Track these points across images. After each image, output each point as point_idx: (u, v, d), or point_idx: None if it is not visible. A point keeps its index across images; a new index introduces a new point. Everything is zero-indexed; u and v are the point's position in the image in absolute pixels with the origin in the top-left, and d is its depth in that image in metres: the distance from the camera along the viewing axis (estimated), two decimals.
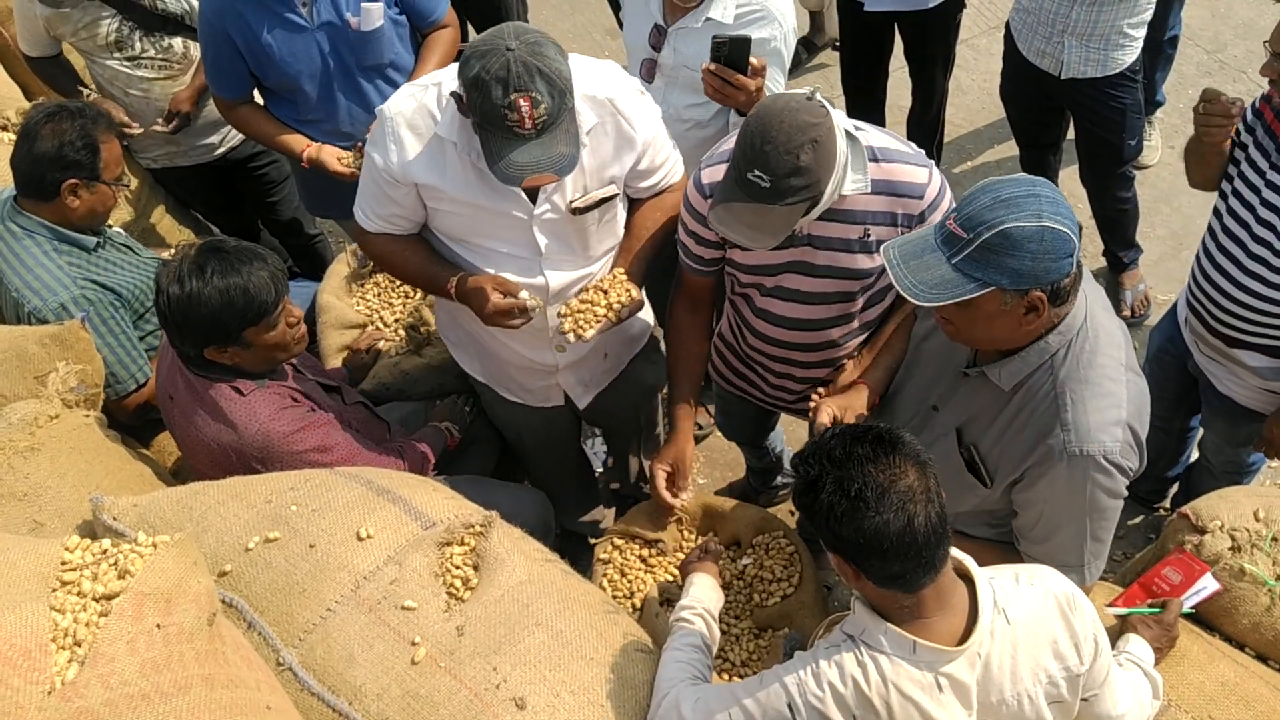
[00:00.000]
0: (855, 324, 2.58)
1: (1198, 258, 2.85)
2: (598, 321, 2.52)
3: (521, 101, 2.17)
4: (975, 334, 2.07)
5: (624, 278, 2.58)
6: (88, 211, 2.85)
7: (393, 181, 2.44)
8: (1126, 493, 2.11)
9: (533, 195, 2.46)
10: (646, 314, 2.93)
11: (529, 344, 2.70)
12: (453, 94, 2.32)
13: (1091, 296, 2.09)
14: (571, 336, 2.52)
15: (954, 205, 2.06)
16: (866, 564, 1.72)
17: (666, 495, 2.64)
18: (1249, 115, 2.64)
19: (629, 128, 2.47)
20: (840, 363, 2.65)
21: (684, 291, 2.68)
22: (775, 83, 2.95)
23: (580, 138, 2.35)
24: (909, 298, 1.97)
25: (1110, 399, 2.03)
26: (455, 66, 2.39)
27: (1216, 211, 2.77)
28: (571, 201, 2.48)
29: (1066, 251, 1.90)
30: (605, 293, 2.56)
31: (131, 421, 2.93)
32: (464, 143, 2.38)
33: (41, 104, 2.96)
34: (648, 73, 3.14)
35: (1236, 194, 2.68)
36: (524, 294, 2.47)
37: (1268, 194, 2.60)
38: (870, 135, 2.37)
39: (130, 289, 2.88)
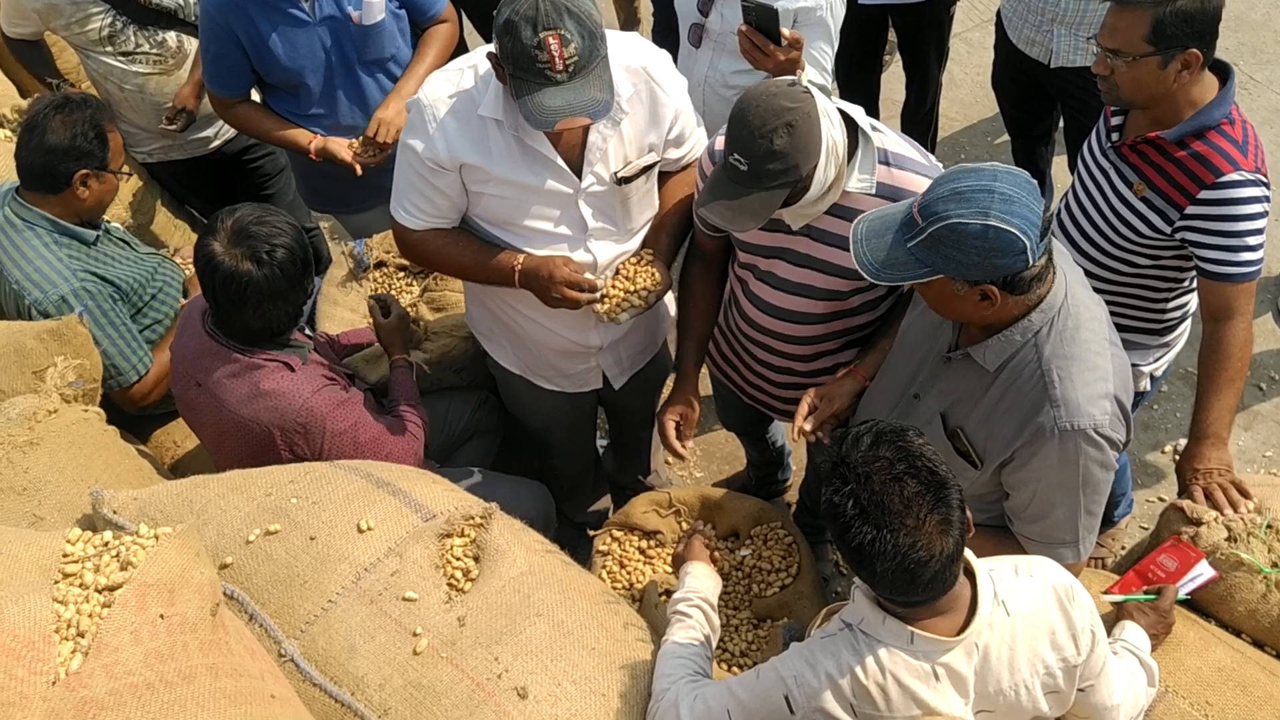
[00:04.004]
0: (842, 326, 2.57)
1: None
2: (630, 307, 2.56)
3: (551, 40, 2.17)
4: (943, 311, 2.09)
5: (649, 260, 2.61)
6: (96, 201, 2.86)
7: (437, 169, 2.43)
8: (1117, 465, 2.12)
9: (577, 169, 2.47)
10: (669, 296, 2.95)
11: (574, 326, 2.71)
12: (489, 54, 2.31)
13: (1070, 274, 2.09)
14: (605, 318, 2.56)
15: None
16: (896, 595, 1.75)
17: (676, 444, 2.62)
18: None
19: (663, 93, 2.50)
20: (817, 372, 2.63)
21: (697, 251, 2.71)
22: (822, 53, 2.95)
23: (615, 86, 2.33)
24: (861, 272, 2.01)
25: (1096, 372, 2.04)
26: (488, 48, 2.40)
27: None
28: (616, 172, 2.50)
29: (1014, 250, 1.88)
30: (633, 279, 2.59)
31: (135, 412, 2.93)
32: (509, 119, 2.38)
33: (42, 98, 2.95)
34: (695, 38, 3.14)
35: (1083, 164, 2.76)
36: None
37: (1094, 170, 2.68)
38: (888, 139, 2.37)
39: (129, 282, 2.88)
